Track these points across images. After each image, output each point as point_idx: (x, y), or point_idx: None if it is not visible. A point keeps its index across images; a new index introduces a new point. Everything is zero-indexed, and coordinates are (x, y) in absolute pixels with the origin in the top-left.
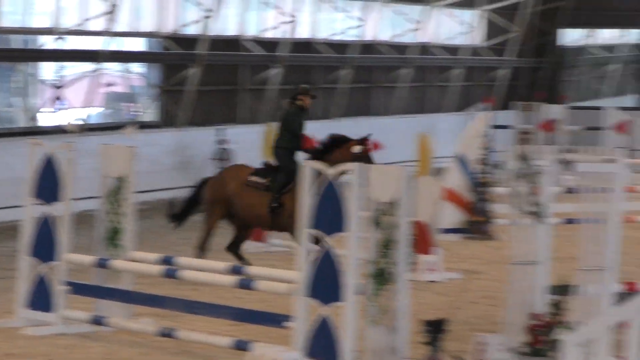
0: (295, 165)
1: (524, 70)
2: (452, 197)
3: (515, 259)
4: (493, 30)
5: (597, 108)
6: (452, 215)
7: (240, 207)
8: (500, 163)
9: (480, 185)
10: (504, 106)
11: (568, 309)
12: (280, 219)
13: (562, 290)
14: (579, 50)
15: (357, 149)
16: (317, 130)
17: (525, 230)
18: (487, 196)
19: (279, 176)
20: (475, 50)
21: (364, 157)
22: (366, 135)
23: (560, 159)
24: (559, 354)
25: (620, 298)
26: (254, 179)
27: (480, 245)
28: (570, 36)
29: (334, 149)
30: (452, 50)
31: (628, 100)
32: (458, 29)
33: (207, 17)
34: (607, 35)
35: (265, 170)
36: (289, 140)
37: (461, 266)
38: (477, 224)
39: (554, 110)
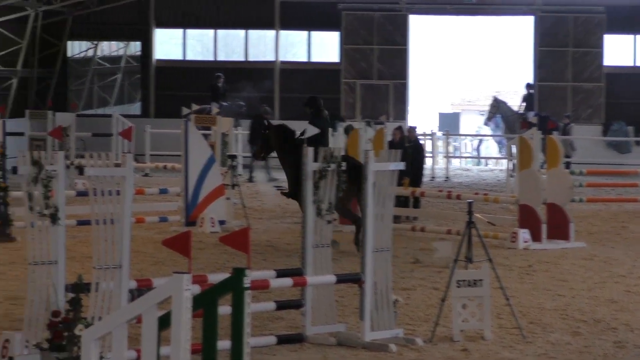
0: None
1: (33, 79)
2: None
3: (33, 259)
4: (2, 42)
5: (105, 115)
6: None
7: None
8: (15, 168)
9: None
10: (16, 114)
11: (85, 305)
12: None
13: (78, 287)
14: (86, 61)
15: None
16: None
17: (42, 232)
18: (4, 200)
19: None
20: None
21: None
22: None
23: (71, 163)
24: (78, 348)
25: (135, 294)
26: None
27: None
28: (77, 48)
29: None
30: None
31: (133, 108)
32: None
33: None
34: (112, 48)
35: None
36: None
37: None
38: None
39: (64, 118)
